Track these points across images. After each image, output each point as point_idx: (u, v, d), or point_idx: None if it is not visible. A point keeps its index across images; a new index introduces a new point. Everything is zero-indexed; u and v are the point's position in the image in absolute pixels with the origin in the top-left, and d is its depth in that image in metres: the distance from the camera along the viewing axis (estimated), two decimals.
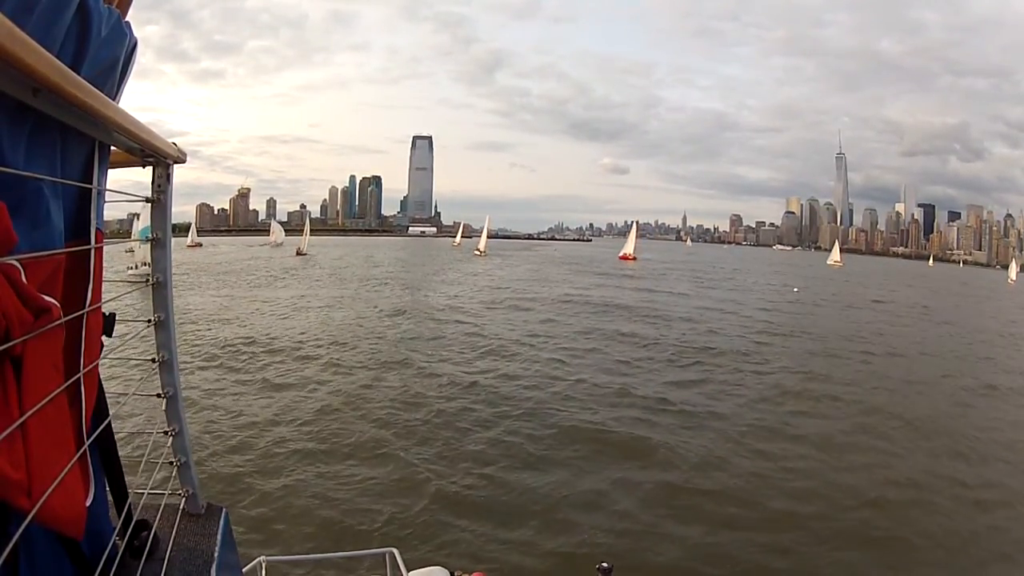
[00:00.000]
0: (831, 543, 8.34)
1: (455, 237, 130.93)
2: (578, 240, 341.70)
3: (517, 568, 7.48)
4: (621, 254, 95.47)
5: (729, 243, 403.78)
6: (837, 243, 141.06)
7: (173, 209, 1.82)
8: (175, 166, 1.75)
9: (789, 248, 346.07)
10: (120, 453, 1.60)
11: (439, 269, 57.09)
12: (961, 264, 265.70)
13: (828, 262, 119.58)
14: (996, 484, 10.64)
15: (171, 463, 1.99)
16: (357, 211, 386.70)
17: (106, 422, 1.49)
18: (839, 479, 10.50)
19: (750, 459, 11.19)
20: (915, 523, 9.05)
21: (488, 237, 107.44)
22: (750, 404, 14.70)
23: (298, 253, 76.62)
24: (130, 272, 42.61)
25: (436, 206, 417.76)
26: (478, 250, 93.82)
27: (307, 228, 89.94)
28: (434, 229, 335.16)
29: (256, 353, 18.81)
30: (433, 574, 4.68)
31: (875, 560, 8.01)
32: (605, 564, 4.86)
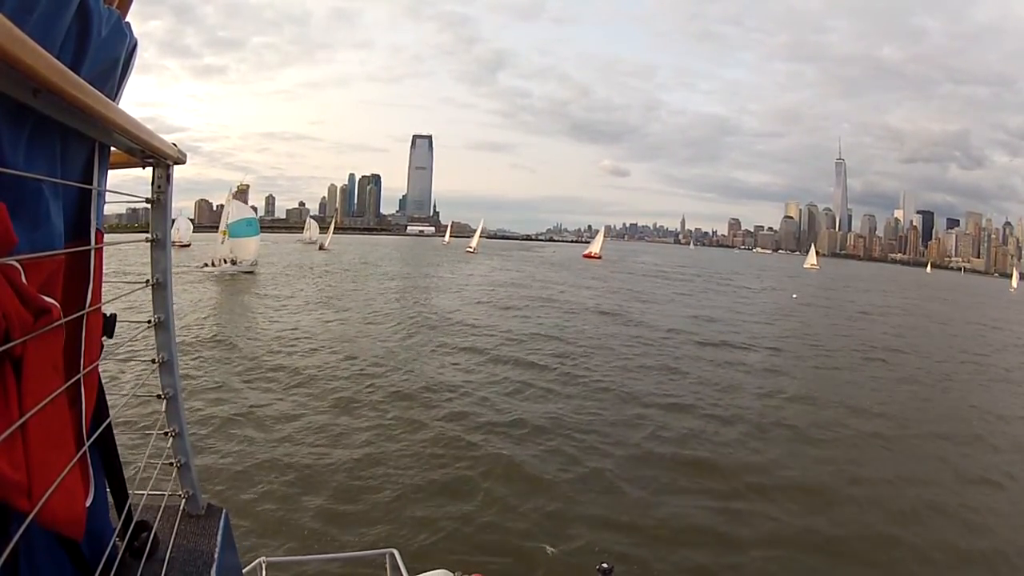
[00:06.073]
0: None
1: (445, 236, 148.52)
2: (576, 242, 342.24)
3: (518, 569, 7.48)
4: (585, 252, 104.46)
5: (728, 247, 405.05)
6: (813, 247, 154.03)
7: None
8: (175, 167, 1.74)
9: (769, 252, 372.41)
10: (120, 454, 1.60)
11: (418, 273, 56.26)
12: (963, 272, 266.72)
13: (805, 265, 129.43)
14: None
15: (171, 464, 1.99)
16: (356, 209, 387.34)
17: (106, 423, 1.49)
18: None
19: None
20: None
21: (486, 237, 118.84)
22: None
23: (321, 248, 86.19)
24: (206, 269, 42.58)
25: (435, 205, 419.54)
26: (470, 247, 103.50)
27: (332, 227, 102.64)
28: (432, 228, 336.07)
29: (261, 348, 18.81)
30: None
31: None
32: (605, 564, 4.86)
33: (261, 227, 48.66)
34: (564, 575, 7.42)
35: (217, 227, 47.35)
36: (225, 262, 43.21)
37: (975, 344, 30.66)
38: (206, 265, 43.42)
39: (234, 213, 44.87)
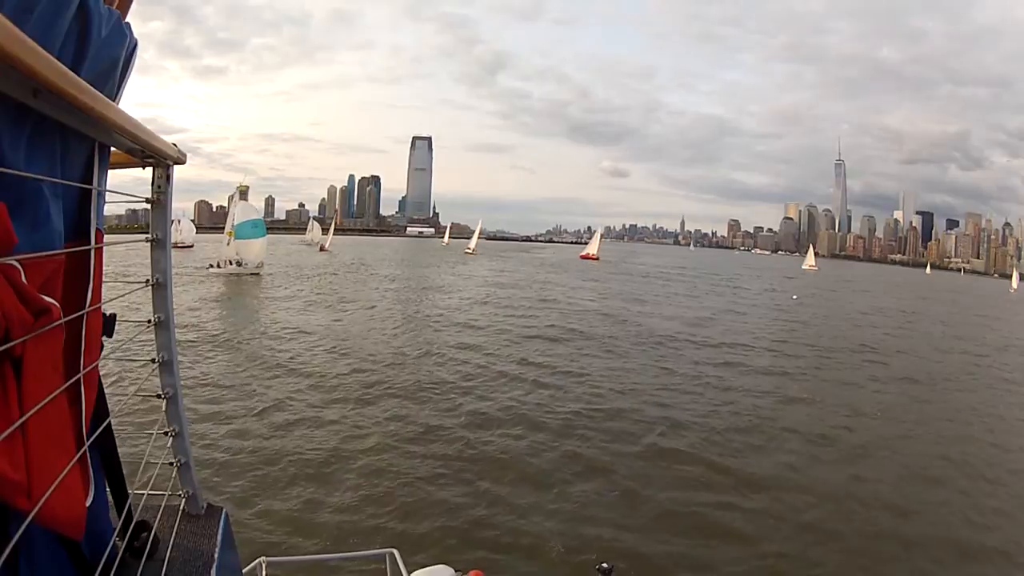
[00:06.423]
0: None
1: (444, 238, 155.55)
2: (575, 243, 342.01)
3: (518, 568, 7.47)
4: (583, 254, 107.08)
5: (728, 248, 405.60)
6: (811, 248, 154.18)
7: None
8: (175, 167, 1.74)
9: (768, 253, 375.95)
10: (120, 453, 1.60)
11: (418, 275, 56.45)
12: (962, 272, 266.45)
13: (803, 267, 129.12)
14: None
15: (171, 464, 1.98)
16: (355, 211, 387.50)
17: (106, 423, 1.49)
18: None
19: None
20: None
21: (485, 239, 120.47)
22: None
23: (321, 249, 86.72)
24: (211, 270, 42.60)
25: (435, 207, 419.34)
26: (469, 248, 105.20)
27: (332, 229, 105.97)
28: (432, 229, 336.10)
29: (264, 348, 18.81)
30: (438, 573, 4.65)
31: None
32: (605, 564, 4.85)
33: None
34: (564, 574, 7.41)
35: (217, 228, 47.43)
36: (230, 263, 43.25)
37: (976, 345, 30.67)
38: (211, 266, 43.54)
39: (240, 215, 44.72)
